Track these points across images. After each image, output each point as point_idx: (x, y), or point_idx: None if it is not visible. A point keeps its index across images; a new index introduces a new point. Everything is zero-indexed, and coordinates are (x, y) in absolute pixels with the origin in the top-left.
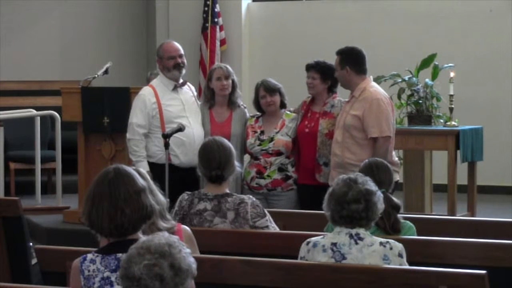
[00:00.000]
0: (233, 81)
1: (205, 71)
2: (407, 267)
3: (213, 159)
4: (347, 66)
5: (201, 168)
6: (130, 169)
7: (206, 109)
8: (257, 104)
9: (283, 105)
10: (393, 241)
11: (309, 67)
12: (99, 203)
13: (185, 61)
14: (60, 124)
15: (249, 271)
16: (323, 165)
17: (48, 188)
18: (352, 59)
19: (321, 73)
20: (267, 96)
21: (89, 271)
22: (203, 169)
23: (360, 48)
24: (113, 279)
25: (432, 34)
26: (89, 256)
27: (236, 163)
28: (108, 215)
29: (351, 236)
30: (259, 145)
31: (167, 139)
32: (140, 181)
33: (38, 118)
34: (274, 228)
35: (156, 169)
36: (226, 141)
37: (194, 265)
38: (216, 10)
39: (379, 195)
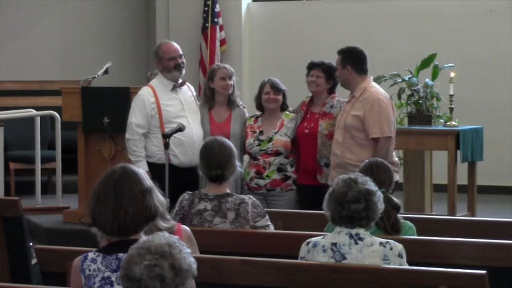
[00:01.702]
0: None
1: (205, 71)
2: (407, 267)
3: (214, 159)
4: (348, 66)
5: (202, 168)
6: (137, 169)
7: (205, 109)
8: (258, 100)
9: (283, 108)
10: (393, 241)
11: (314, 65)
12: (103, 201)
13: (184, 61)
14: (60, 124)
15: (249, 271)
16: (324, 166)
17: (48, 188)
18: (354, 59)
19: (326, 73)
20: (271, 93)
21: (89, 270)
22: (204, 169)
23: (361, 48)
24: (113, 279)
25: (432, 34)
26: (90, 255)
27: (237, 163)
28: (112, 214)
29: (351, 236)
30: (258, 145)
31: (167, 139)
32: (146, 181)
33: (38, 118)
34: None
35: (155, 169)
36: (227, 141)
37: (194, 265)
38: (216, 10)
39: (379, 195)
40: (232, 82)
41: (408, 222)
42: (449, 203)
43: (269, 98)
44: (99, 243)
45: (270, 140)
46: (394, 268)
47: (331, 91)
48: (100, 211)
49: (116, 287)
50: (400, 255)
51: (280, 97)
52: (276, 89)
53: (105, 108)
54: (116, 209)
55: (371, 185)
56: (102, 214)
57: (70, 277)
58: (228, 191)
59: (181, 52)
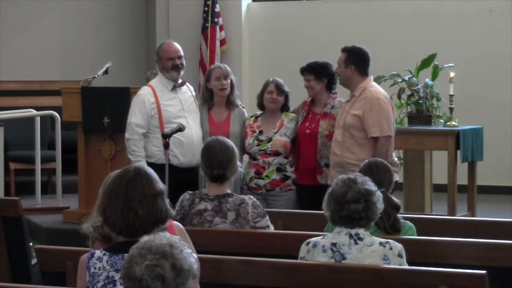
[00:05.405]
0: (231, 81)
1: (205, 71)
2: (407, 267)
3: (215, 159)
4: (352, 66)
5: (203, 167)
6: (150, 171)
7: (204, 109)
8: (260, 99)
9: (284, 109)
10: (392, 241)
11: (303, 71)
12: (114, 200)
13: (184, 62)
14: (60, 124)
15: (249, 271)
16: (324, 167)
17: (48, 188)
18: (358, 59)
19: (315, 73)
20: (274, 93)
21: (95, 268)
22: (205, 168)
23: (367, 50)
24: (117, 278)
25: (432, 34)
26: (97, 253)
27: (238, 163)
28: (121, 214)
29: (350, 236)
30: (258, 145)
31: (167, 139)
32: (159, 184)
33: (38, 118)
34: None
35: (155, 169)
36: (229, 141)
37: (195, 266)
38: (216, 10)
39: (379, 195)
40: (228, 82)
41: (408, 222)
42: (449, 203)
43: (271, 98)
44: (92, 246)
45: (270, 140)
46: (394, 268)
47: (330, 88)
48: (111, 210)
49: (119, 287)
50: (400, 255)
51: (281, 99)
52: (279, 90)
53: (105, 108)
54: (126, 210)
55: (371, 185)
56: (112, 213)
57: (77, 272)
58: (229, 191)
59: (181, 53)
